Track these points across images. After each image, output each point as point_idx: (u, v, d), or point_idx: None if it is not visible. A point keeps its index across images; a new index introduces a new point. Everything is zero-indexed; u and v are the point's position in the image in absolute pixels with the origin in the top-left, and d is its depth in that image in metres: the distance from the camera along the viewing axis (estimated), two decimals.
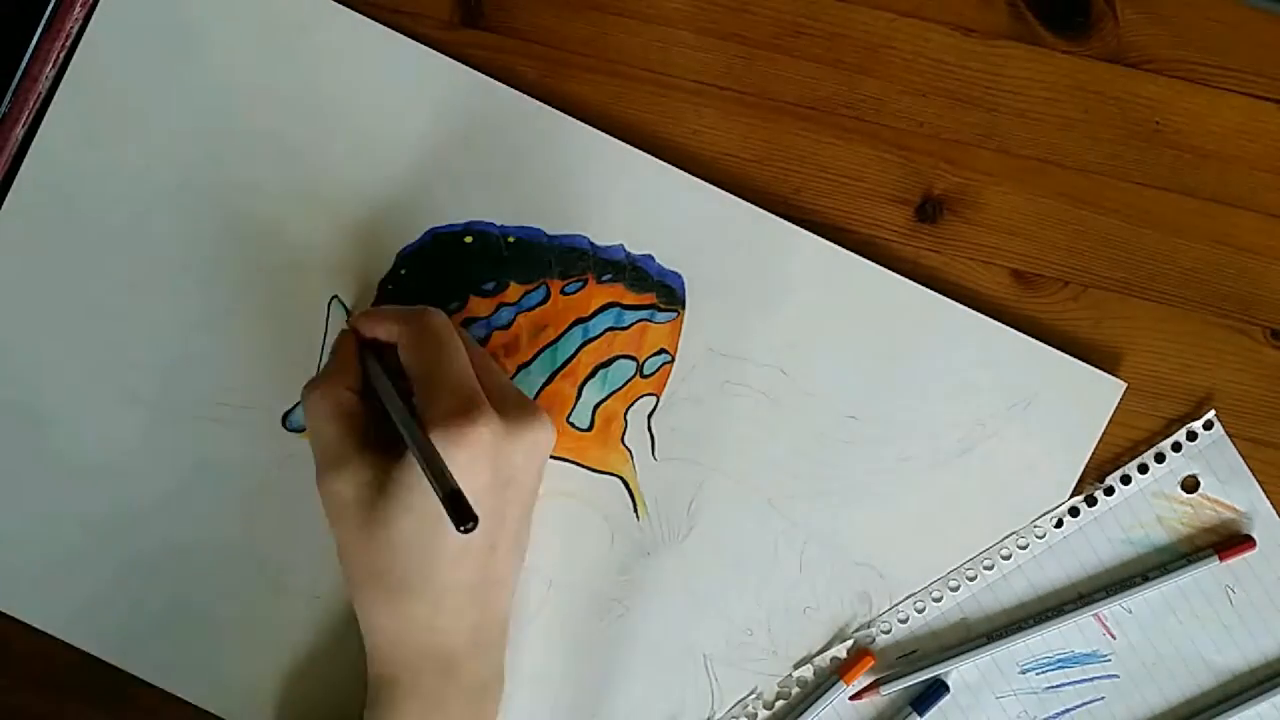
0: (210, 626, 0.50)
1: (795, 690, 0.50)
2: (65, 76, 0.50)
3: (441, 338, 0.44)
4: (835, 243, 0.50)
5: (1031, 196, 0.51)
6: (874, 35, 0.51)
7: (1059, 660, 0.50)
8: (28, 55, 0.50)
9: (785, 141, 0.51)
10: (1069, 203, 0.51)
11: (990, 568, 0.50)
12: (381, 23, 0.51)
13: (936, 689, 0.50)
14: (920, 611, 0.50)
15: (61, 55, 0.50)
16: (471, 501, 0.38)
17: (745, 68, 0.51)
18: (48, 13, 0.50)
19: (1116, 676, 0.50)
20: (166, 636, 0.50)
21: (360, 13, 0.51)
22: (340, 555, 0.44)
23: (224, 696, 0.50)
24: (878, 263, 0.50)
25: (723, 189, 0.50)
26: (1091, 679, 0.50)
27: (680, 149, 0.51)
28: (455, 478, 0.39)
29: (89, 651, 0.50)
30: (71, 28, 0.50)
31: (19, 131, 0.50)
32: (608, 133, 0.50)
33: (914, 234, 0.51)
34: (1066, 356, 0.50)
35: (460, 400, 0.42)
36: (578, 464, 0.50)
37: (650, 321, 0.50)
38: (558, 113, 0.50)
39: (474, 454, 0.42)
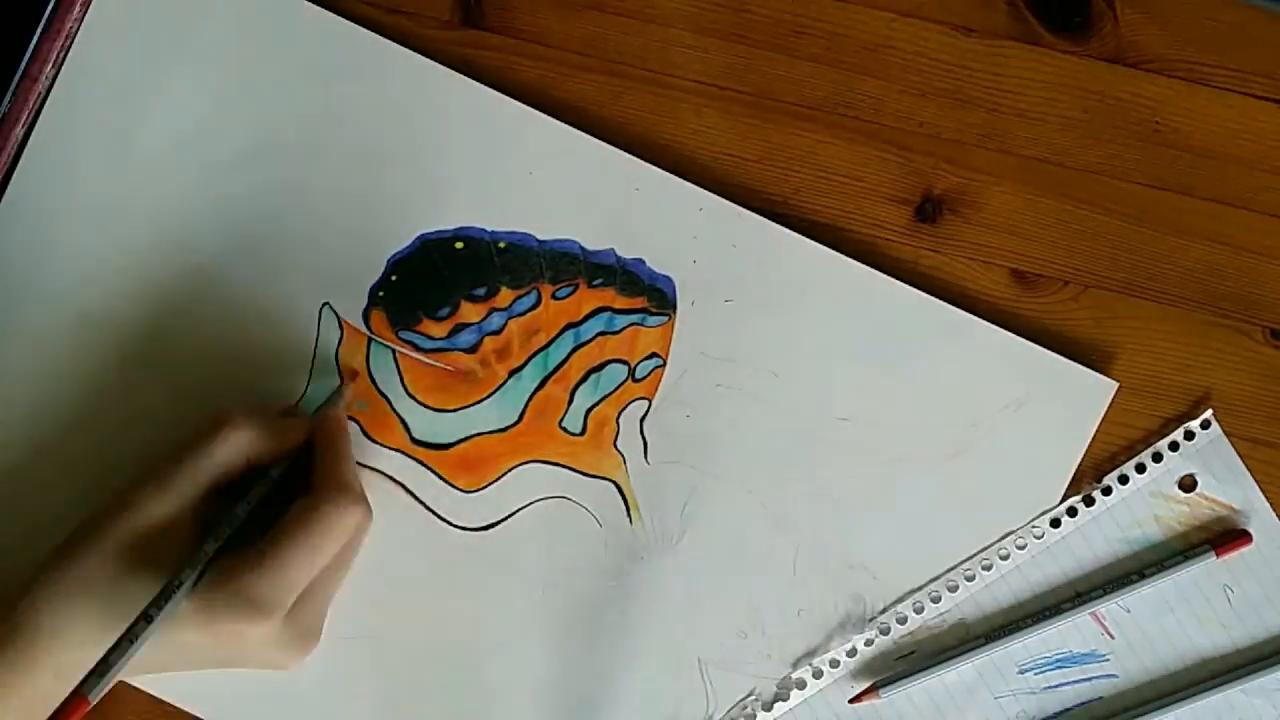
0: None
1: (793, 692, 0.50)
2: (59, 78, 0.50)
3: (325, 536, 0.44)
4: (835, 242, 0.50)
5: (1031, 196, 0.51)
6: (874, 35, 0.51)
7: (1057, 660, 0.50)
8: (27, 55, 0.50)
9: (785, 141, 0.51)
10: (1069, 203, 0.51)
11: (989, 568, 0.50)
12: (381, 23, 0.51)
13: None
14: (919, 612, 0.50)
15: (61, 55, 0.50)
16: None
17: (745, 68, 0.51)
18: (47, 13, 0.50)
19: (1115, 676, 0.50)
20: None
21: (359, 13, 0.51)
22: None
23: (217, 702, 0.50)
24: (877, 263, 0.50)
25: (722, 189, 0.50)
26: (1090, 679, 0.50)
27: (680, 149, 0.51)
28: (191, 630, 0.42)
29: None
30: (71, 28, 0.50)
31: (18, 131, 0.50)
32: (607, 133, 0.50)
33: (914, 234, 0.51)
34: (1058, 357, 0.50)
35: (273, 594, 0.43)
36: (570, 468, 0.50)
37: (642, 326, 0.50)
38: (548, 118, 0.50)
39: (227, 635, 0.43)
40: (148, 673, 0.46)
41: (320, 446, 0.47)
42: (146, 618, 0.40)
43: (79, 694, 0.39)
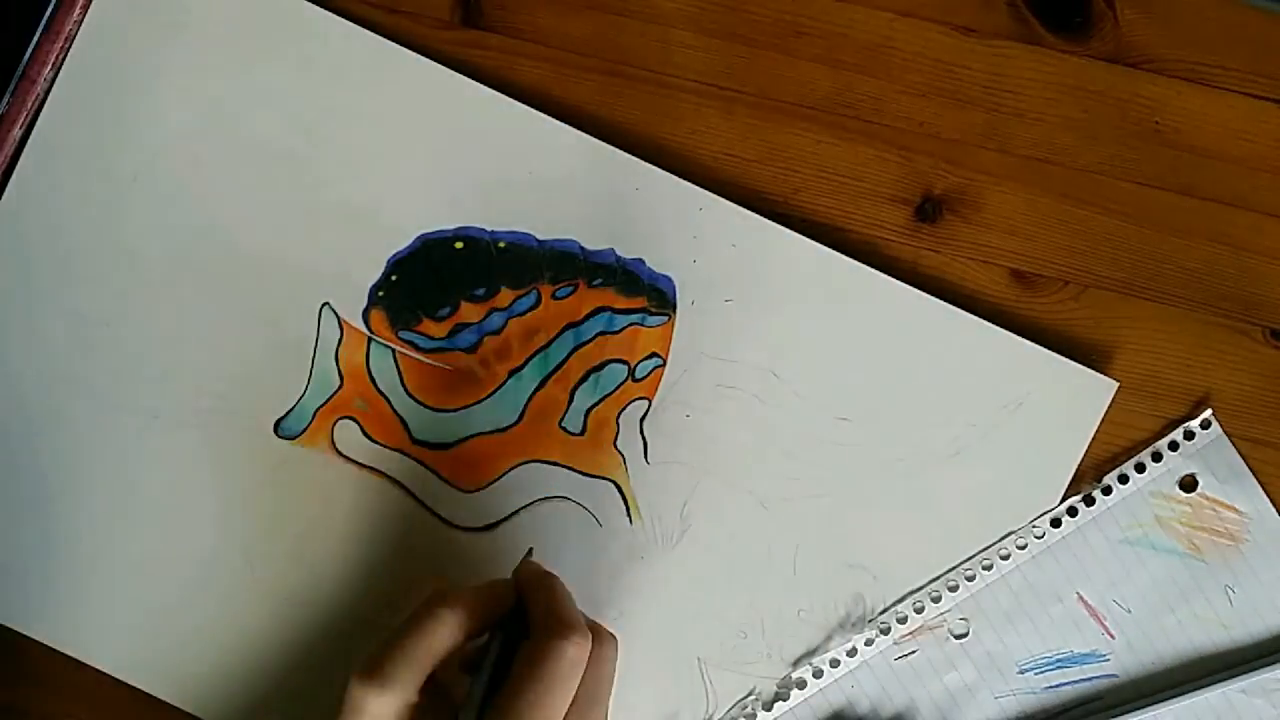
0: (200, 631, 0.50)
1: (793, 692, 0.50)
2: (58, 79, 0.50)
3: (554, 677, 0.42)
4: (835, 242, 0.50)
5: (1031, 196, 0.51)
6: (874, 35, 0.51)
7: (1058, 660, 0.50)
8: (27, 56, 0.50)
9: (785, 141, 0.51)
10: (1069, 203, 0.51)
11: (989, 568, 0.50)
12: (381, 23, 0.51)
13: None
14: (919, 612, 0.50)
15: (60, 57, 0.50)
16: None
17: (745, 68, 0.51)
18: (47, 14, 0.50)
19: (1115, 676, 0.50)
20: (155, 640, 0.51)
21: (359, 13, 0.51)
22: None
23: (214, 701, 0.50)
24: (877, 263, 0.50)
25: (722, 189, 0.50)
26: (1090, 679, 0.50)
27: (680, 149, 0.51)
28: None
29: (79, 659, 0.51)
30: (71, 29, 0.50)
31: (17, 132, 0.50)
32: (607, 133, 0.50)
33: (914, 234, 0.51)
34: (1058, 356, 0.50)
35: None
36: (570, 468, 0.50)
37: (641, 325, 0.50)
38: (548, 118, 0.50)
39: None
40: None
41: (530, 592, 0.45)
42: None
43: None
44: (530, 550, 0.48)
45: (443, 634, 0.42)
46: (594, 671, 0.43)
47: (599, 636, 0.44)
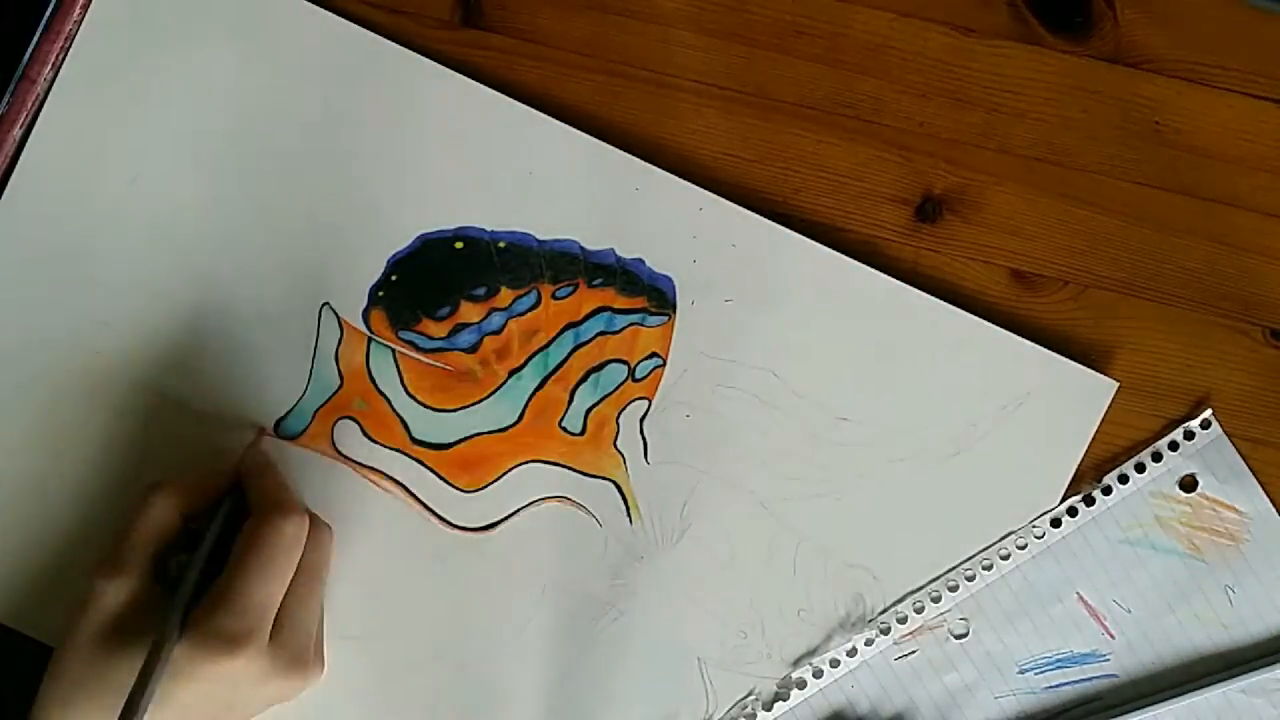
0: None
1: (793, 692, 0.50)
2: (58, 80, 0.50)
3: (273, 552, 0.44)
4: (835, 242, 0.50)
5: (1031, 196, 0.51)
6: (874, 35, 0.51)
7: (1058, 660, 0.50)
8: (26, 56, 0.50)
9: (785, 141, 0.51)
10: (1069, 203, 0.51)
11: (989, 568, 0.50)
12: (381, 23, 0.51)
13: None
14: (919, 612, 0.50)
15: (60, 57, 0.50)
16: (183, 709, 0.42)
17: (745, 68, 0.51)
18: (47, 14, 0.50)
19: (1115, 676, 0.50)
20: None
21: (359, 14, 0.51)
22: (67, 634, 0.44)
23: None
24: (877, 263, 0.50)
25: (722, 189, 0.50)
26: (1090, 679, 0.50)
27: (680, 149, 0.51)
28: (182, 685, 0.42)
29: None
30: (70, 30, 0.50)
31: (16, 132, 0.50)
32: (607, 133, 0.50)
33: (914, 234, 0.51)
34: (1058, 356, 0.50)
35: (242, 623, 0.43)
36: (570, 468, 0.50)
37: (641, 325, 0.50)
38: (548, 118, 0.50)
39: (216, 678, 0.43)
40: None
41: (248, 478, 0.48)
42: (140, 686, 0.40)
43: None
44: (261, 430, 0.50)
45: (157, 516, 0.46)
46: (312, 554, 0.47)
47: (316, 522, 0.48)
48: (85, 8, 0.50)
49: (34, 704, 0.44)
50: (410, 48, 0.50)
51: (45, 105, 0.50)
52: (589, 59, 0.51)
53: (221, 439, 0.50)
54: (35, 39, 0.50)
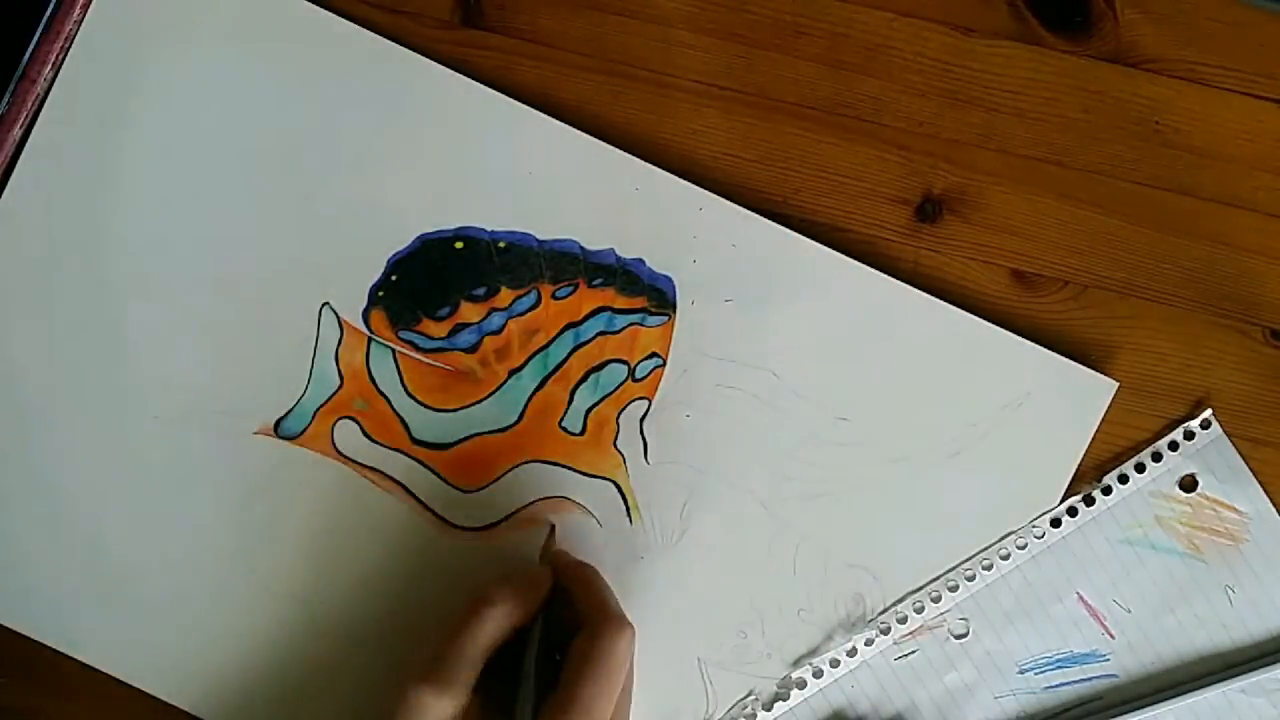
0: (200, 631, 0.50)
1: (793, 692, 0.50)
2: (58, 80, 0.50)
3: (609, 669, 0.43)
4: (835, 242, 0.50)
5: (1031, 196, 0.51)
6: (874, 35, 0.51)
7: (1058, 660, 0.50)
8: (26, 56, 0.50)
9: (785, 141, 0.51)
10: (1069, 203, 0.51)
11: (989, 568, 0.50)
12: (381, 23, 0.51)
13: None
14: (919, 612, 0.50)
15: (60, 57, 0.50)
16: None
17: (745, 68, 0.51)
18: (47, 14, 0.50)
19: (1115, 676, 0.50)
20: (155, 640, 0.50)
21: (359, 13, 0.51)
22: None
23: (216, 702, 0.50)
24: (877, 263, 0.50)
25: (722, 189, 0.50)
26: (1090, 679, 0.50)
27: (680, 149, 0.51)
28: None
29: (81, 660, 0.50)
30: (70, 30, 0.50)
31: (16, 133, 0.50)
32: (607, 133, 0.50)
33: (914, 234, 0.51)
34: (1058, 356, 0.50)
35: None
36: (570, 468, 0.50)
37: (641, 325, 0.50)
38: (547, 118, 0.50)
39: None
40: None
41: (574, 584, 0.47)
42: None
43: None
44: (553, 528, 0.48)
45: (492, 630, 0.44)
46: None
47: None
48: (85, 8, 0.50)
49: None
50: (410, 48, 0.50)
51: (45, 105, 0.50)
52: (589, 59, 0.51)
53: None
54: (35, 39, 0.50)
